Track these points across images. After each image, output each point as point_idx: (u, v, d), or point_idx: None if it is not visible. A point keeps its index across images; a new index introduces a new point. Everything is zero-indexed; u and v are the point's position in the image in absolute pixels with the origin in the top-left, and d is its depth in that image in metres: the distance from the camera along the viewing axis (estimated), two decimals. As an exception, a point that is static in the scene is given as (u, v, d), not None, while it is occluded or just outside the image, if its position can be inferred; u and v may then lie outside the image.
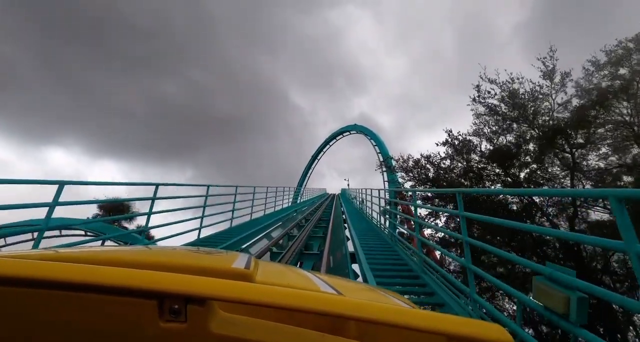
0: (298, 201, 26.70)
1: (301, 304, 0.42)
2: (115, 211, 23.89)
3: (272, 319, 0.50)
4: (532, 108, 10.04)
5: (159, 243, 5.47)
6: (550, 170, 10.44)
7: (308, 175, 37.53)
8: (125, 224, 24.33)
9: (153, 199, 4.90)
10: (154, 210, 4.96)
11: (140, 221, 24.62)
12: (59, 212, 3.58)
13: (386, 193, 10.78)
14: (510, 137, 10.88)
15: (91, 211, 22.39)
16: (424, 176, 11.76)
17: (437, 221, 12.67)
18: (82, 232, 13.82)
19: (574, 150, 9.59)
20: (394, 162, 13.05)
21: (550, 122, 9.83)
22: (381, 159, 26.12)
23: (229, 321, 0.47)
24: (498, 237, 11.12)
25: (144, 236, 5.28)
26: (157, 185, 4.98)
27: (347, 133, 33.29)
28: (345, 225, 10.49)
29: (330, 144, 36.67)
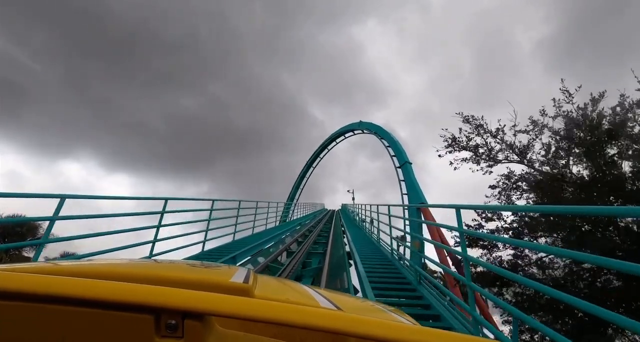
0: (287, 220, 20.45)
1: (300, 320, 0.41)
2: (11, 234, 16.85)
3: (270, 335, 0.50)
4: None
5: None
6: None
7: (301, 186, 30.49)
8: (30, 254, 17.14)
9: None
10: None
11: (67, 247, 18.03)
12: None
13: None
14: None
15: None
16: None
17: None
18: None
19: None
20: (480, 138, 5.97)
21: None
22: (397, 165, 19.21)
23: (227, 337, 0.47)
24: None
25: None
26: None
27: (351, 133, 26.47)
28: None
29: (329, 148, 29.87)
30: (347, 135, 27.06)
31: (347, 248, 8.15)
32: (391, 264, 5.53)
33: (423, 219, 8.78)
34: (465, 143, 7.18)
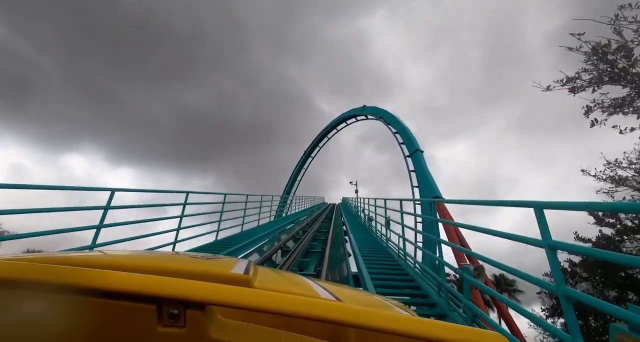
0: (284, 215, 18.55)
1: (300, 310, 0.41)
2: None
3: (271, 325, 0.50)
4: None
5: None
6: None
7: (299, 178, 28.14)
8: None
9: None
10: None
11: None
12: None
13: None
14: None
15: None
16: None
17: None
18: None
19: None
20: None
21: None
22: (406, 153, 16.83)
23: (228, 327, 0.47)
24: None
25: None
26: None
27: (353, 120, 23.95)
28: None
29: (329, 136, 27.35)
30: (349, 121, 24.54)
31: (352, 261, 5.81)
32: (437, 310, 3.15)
33: (438, 216, 6.58)
34: (628, 64, 3.25)
